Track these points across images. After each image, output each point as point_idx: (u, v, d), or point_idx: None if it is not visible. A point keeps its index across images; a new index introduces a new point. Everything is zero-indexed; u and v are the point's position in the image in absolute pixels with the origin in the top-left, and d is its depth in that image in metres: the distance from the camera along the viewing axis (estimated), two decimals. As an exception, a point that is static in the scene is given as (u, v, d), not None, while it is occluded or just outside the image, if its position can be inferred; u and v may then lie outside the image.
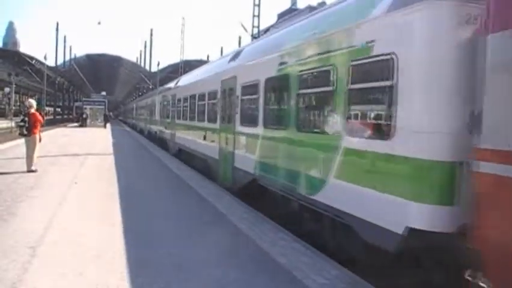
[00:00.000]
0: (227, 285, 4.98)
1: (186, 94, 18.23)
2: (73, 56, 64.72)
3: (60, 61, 59.91)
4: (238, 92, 10.69)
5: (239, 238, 6.94)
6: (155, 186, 11.80)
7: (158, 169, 15.35)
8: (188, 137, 17.18)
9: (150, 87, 58.46)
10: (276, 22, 13.82)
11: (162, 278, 5.02)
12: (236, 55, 12.32)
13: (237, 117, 10.75)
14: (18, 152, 15.67)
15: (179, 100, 20.14)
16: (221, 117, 12.43)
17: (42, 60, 47.94)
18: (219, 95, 12.66)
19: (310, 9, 9.90)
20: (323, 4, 9.93)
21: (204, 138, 14.18)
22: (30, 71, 49.63)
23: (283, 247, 6.50)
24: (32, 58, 45.99)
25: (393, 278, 5.38)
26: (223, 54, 23.66)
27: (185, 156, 18.21)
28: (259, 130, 9.21)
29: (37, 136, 12.69)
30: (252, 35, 26.65)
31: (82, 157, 17.14)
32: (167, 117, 23.42)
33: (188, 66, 46.41)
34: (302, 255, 6.18)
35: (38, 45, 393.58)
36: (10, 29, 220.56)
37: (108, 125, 49.23)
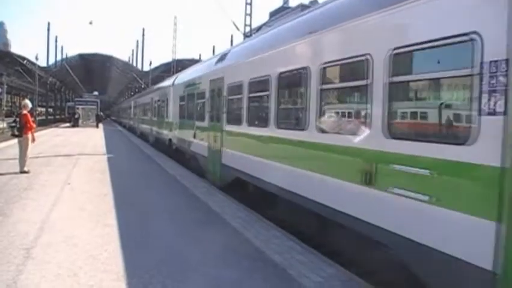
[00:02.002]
0: (223, 285, 5.01)
1: (261, 75, 8.91)
2: (64, 56, 64.30)
3: (52, 61, 59.62)
4: None
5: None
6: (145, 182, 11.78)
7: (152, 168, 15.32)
8: (278, 164, 7.95)
9: (142, 86, 58.26)
10: (268, 20, 13.78)
11: (158, 278, 5.03)
12: None
13: None
14: (10, 152, 15.58)
15: (231, 89, 10.96)
16: None
17: (34, 60, 47.71)
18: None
19: (303, 7, 9.86)
20: (315, 3, 9.92)
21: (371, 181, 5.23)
22: (21, 71, 49.29)
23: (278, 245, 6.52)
24: (23, 58, 45.72)
25: (388, 275, 5.42)
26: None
27: (258, 194, 9.28)
28: None
29: (29, 137, 12.66)
30: (244, 34, 26.61)
31: (75, 158, 17.06)
32: (201, 119, 14.05)
33: (181, 65, 46.48)
34: (297, 253, 6.21)
35: (30, 46, 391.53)
36: (1, 29, 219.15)
37: (100, 125, 49.09)
